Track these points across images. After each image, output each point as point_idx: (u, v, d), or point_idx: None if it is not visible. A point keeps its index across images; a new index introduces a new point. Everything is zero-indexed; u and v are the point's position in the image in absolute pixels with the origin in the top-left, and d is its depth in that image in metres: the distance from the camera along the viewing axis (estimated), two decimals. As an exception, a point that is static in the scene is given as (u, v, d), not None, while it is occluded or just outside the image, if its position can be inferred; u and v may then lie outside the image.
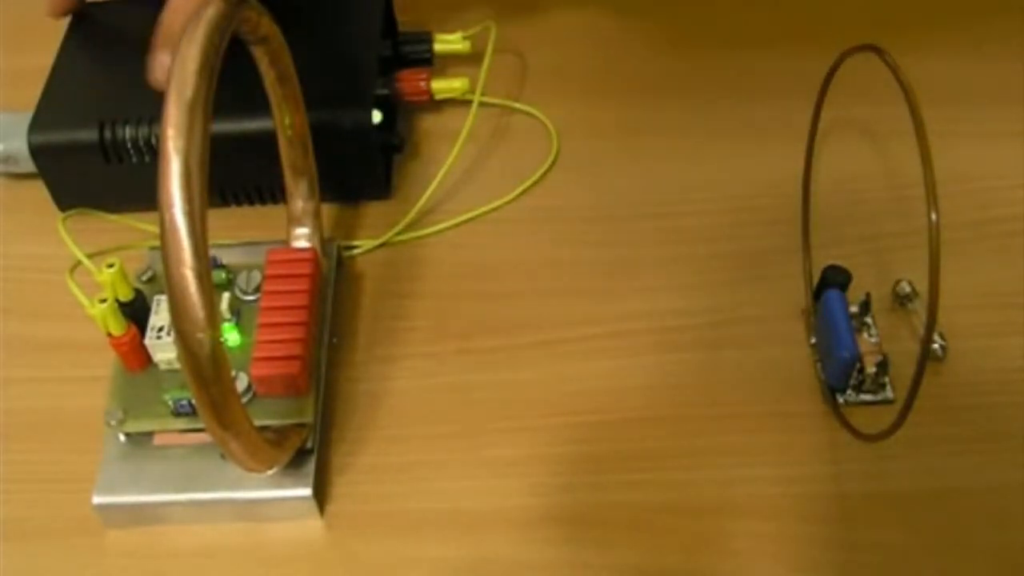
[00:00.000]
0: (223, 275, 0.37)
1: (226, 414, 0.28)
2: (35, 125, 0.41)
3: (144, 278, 0.38)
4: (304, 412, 0.35)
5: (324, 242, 0.40)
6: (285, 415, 0.34)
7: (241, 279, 0.37)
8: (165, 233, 0.26)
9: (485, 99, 0.45)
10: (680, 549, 0.34)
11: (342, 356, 0.39)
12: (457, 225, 0.42)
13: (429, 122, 0.46)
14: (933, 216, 0.29)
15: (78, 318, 0.36)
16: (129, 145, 0.41)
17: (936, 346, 0.37)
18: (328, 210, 0.43)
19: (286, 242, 0.39)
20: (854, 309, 0.38)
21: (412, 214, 0.42)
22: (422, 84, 0.44)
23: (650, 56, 0.48)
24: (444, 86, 0.45)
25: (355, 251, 0.42)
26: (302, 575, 0.34)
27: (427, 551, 0.34)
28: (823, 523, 0.34)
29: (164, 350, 0.35)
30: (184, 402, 0.34)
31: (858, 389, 0.36)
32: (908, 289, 0.38)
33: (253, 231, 0.41)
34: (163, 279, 0.26)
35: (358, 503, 0.35)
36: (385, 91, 0.43)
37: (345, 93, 0.41)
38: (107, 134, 0.41)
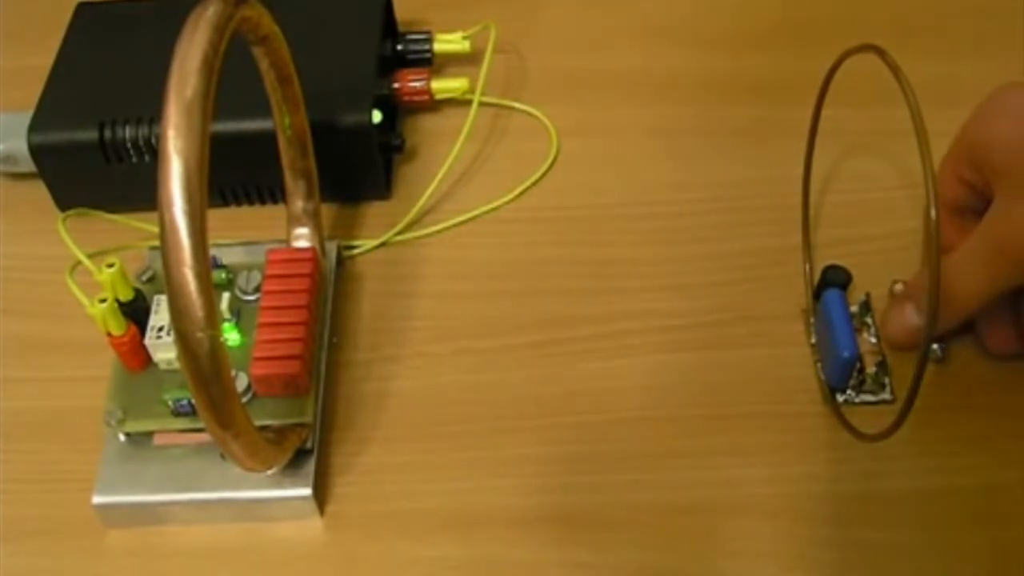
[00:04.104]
0: (223, 275, 0.37)
1: (226, 414, 0.28)
2: (35, 125, 0.41)
3: (144, 278, 0.38)
4: (304, 412, 0.35)
5: (324, 242, 0.40)
6: (285, 415, 0.34)
7: (241, 279, 0.37)
8: (165, 233, 0.26)
9: (485, 99, 0.45)
10: (679, 549, 0.34)
11: (342, 356, 0.39)
12: (457, 225, 0.42)
13: (429, 122, 0.46)
14: (933, 216, 0.29)
15: (78, 318, 0.36)
16: (129, 145, 0.41)
17: (936, 346, 0.37)
18: (328, 210, 0.43)
19: (286, 242, 0.39)
20: (854, 309, 0.38)
21: (412, 214, 0.42)
22: (422, 84, 0.44)
23: (650, 57, 0.48)
24: (444, 86, 0.45)
25: (355, 251, 0.42)
26: (302, 575, 0.34)
27: (427, 551, 0.34)
28: (823, 523, 0.34)
29: (164, 350, 0.35)
30: (184, 402, 0.34)
31: (858, 389, 0.36)
32: (908, 289, 0.38)
33: (253, 231, 0.41)
34: (163, 279, 0.26)
35: (358, 503, 0.35)
36: (385, 91, 0.44)
37: (345, 93, 0.41)
38: (107, 134, 0.41)
